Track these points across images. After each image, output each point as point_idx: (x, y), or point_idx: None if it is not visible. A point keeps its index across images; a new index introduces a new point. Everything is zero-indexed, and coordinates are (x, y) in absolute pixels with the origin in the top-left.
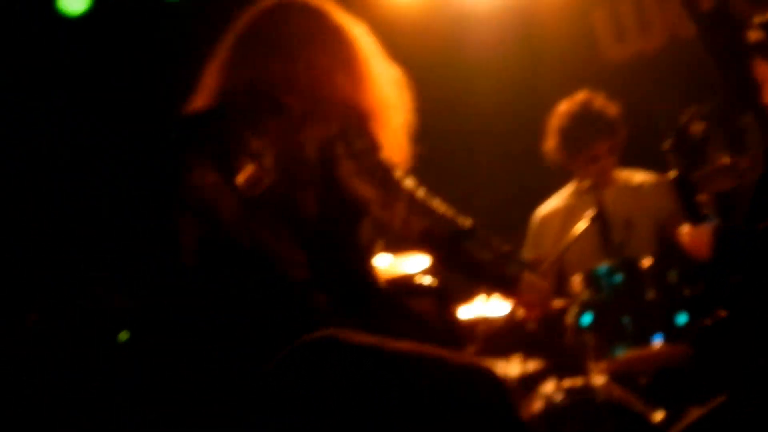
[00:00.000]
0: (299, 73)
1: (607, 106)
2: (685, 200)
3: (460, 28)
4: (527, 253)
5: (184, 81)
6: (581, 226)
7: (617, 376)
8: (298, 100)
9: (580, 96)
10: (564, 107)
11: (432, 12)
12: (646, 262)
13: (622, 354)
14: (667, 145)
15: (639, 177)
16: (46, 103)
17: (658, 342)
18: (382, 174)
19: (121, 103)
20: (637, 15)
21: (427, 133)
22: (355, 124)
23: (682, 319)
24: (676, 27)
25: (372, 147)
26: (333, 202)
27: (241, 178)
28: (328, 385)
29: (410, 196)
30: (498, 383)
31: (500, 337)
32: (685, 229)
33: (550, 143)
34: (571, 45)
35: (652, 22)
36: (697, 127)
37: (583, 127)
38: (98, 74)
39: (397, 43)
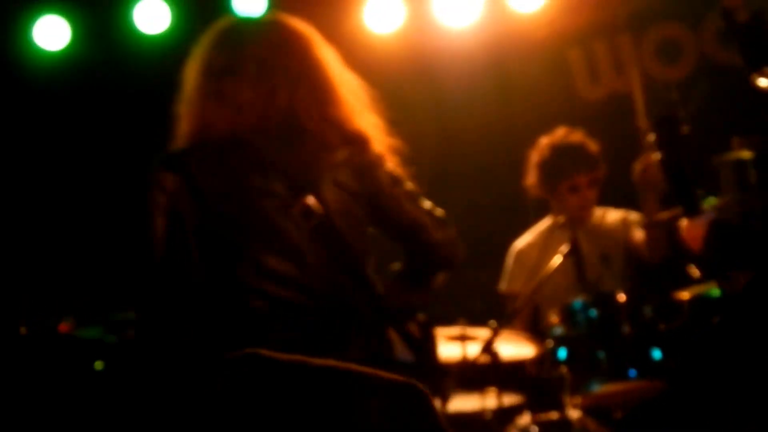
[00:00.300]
0: (318, 100)
1: (587, 140)
2: (682, 193)
3: (437, 64)
4: (503, 286)
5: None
6: (556, 261)
7: (592, 410)
8: (324, 127)
9: (561, 130)
10: (545, 140)
11: (411, 49)
12: (621, 297)
13: (597, 388)
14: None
15: (614, 215)
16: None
17: (631, 377)
18: (419, 197)
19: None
20: (612, 56)
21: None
22: (383, 150)
23: (656, 354)
24: (651, 68)
25: (401, 172)
26: (387, 230)
27: (298, 209)
28: (249, 400)
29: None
30: (424, 398)
31: (476, 371)
32: (684, 223)
33: (531, 176)
34: (547, 84)
35: (627, 63)
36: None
37: (563, 158)
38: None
39: (376, 78)
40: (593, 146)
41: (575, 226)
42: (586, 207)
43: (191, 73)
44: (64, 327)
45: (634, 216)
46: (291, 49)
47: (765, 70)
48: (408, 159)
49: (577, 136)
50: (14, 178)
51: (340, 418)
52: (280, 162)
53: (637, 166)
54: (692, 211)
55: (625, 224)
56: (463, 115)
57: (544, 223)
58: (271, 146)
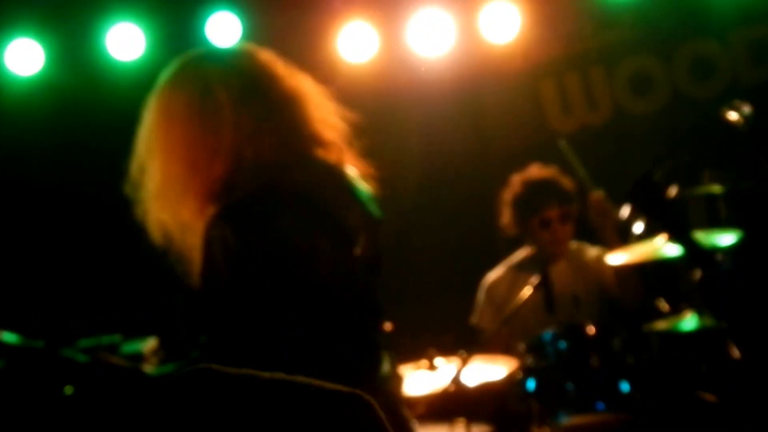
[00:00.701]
0: (314, 123)
1: (559, 176)
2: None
3: (410, 93)
4: (474, 319)
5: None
6: (526, 292)
7: None
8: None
9: (534, 167)
10: (516, 177)
11: (384, 78)
12: (591, 329)
13: (565, 420)
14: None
15: (591, 252)
16: None
17: (599, 410)
18: None
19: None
20: (584, 88)
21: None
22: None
23: (624, 387)
24: (622, 101)
25: None
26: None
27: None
28: (199, 411)
29: None
30: (370, 407)
31: (445, 402)
32: None
33: (504, 214)
34: (519, 115)
35: (598, 96)
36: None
37: (534, 192)
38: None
39: (349, 107)
40: (566, 182)
41: (547, 260)
42: (559, 242)
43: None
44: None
45: (605, 253)
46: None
47: (736, 103)
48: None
49: (549, 172)
50: None
51: (288, 428)
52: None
53: (589, 208)
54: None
55: (600, 262)
56: (434, 146)
57: (517, 256)
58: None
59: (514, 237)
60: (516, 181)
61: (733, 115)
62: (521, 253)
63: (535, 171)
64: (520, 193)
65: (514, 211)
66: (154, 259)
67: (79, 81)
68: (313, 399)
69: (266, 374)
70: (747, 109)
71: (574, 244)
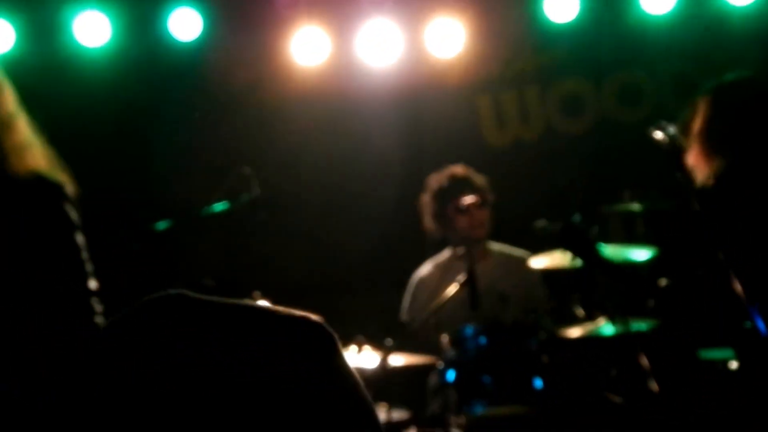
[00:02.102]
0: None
1: (472, 174)
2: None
3: (356, 99)
4: (403, 315)
5: None
6: (452, 289)
7: (474, 431)
8: None
9: (449, 167)
10: (434, 176)
11: (332, 83)
12: (511, 327)
13: (481, 411)
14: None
15: (516, 252)
16: None
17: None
18: None
19: None
20: (518, 106)
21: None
22: None
23: (538, 383)
24: (553, 121)
25: None
26: None
27: None
28: (172, 334)
29: None
30: (327, 332)
31: (368, 386)
32: None
33: (426, 210)
34: (456, 127)
35: (531, 114)
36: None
37: (451, 183)
38: None
39: (298, 107)
40: (478, 178)
41: (473, 258)
42: (477, 226)
43: None
44: None
45: (527, 255)
46: None
47: (662, 123)
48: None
49: (462, 170)
50: None
51: (252, 348)
52: None
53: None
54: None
55: (525, 263)
56: (374, 149)
57: (445, 255)
58: None
59: (439, 237)
60: (433, 179)
61: (658, 135)
62: (447, 253)
63: (450, 169)
64: (438, 186)
65: (434, 203)
66: None
67: (45, 63)
68: (273, 320)
69: (230, 300)
70: (672, 129)
71: (497, 245)
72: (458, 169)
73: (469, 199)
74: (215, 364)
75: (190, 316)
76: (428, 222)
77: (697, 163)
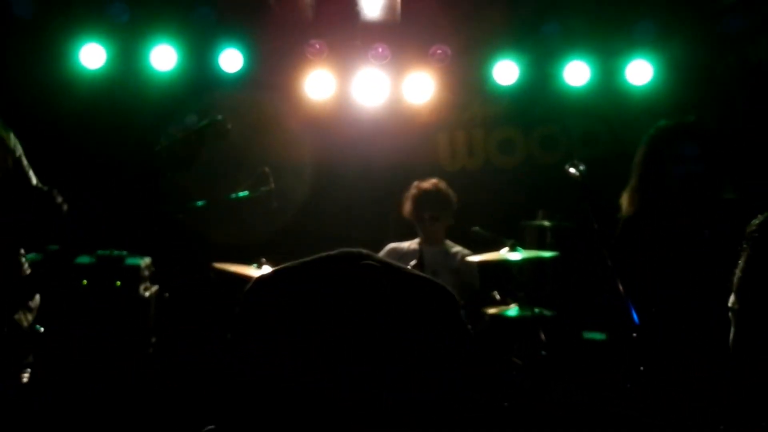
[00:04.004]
0: None
1: (446, 188)
2: None
3: (353, 126)
4: None
5: None
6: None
7: None
8: None
9: (430, 179)
10: (416, 183)
11: (335, 113)
12: None
13: None
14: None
15: (457, 248)
16: None
17: None
18: None
19: None
20: (467, 143)
21: (311, 197)
22: None
23: None
24: (492, 156)
25: None
26: None
27: None
28: (361, 287)
29: None
30: (454, 296)
31: None
32: None
33: (406, 205)
34: (420, 155)
35: (476, 150)
36: None
37: (423, 198)
38: None
39: (309, 128)
40: (449, 193)
41: (427, 247)
42: (432, 234)
43: None
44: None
45: (467, 252)
46: None
47: (575, 162)
48: (319, 187)
49: (438, 184)
50: None
51: (414, 310)
52: None
53: None
54: None
55: (462, 256)
56: (361, 164)
57: (414, 240)
58: None
59: (409, 225)
60: (416, 186)
61: (572, 170)
62: (416, 239)
63: (429, 183)
64: (416, 195)
65: (411, 206)
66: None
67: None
68: (430, 287)
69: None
70: (582, 166)
71: (449, 242)
72: (436, 184)
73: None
74: (387, 306)
75: (372, 270)
76: (405, 210)
77: (628, 195)
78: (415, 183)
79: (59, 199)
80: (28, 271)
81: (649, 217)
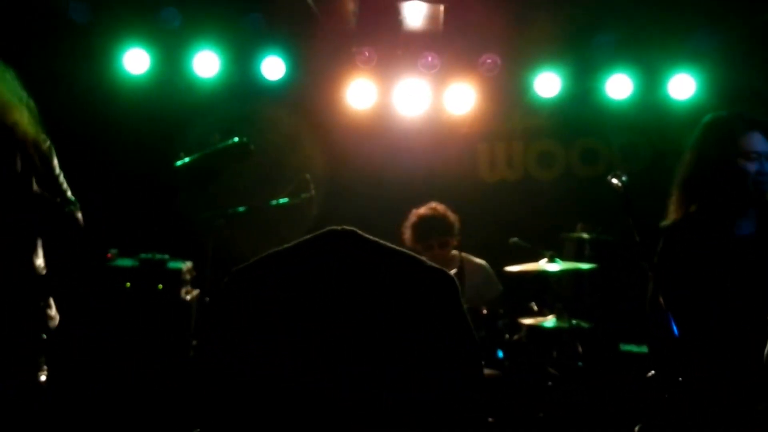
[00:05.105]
0: None
1: (446, 213)
2: None
3: (394, 136)
4: None
5: None
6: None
7: None
8: None
9: (430, 204)
10: (414, 211)
11: (377, 122)
12: (483, 310)
13: None
14: None
15: (477, 260)
16: None
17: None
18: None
19: None
20: (506, 155)
21: (351, 203)
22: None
23: (500, 354)
24: (531, 169)
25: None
26: None
27: None
28: (349, 263)
29: None
30: (455, 281)
31: None
32: None
33: (406, 233)
34: (461, 165)
35: (515, 162)
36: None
37: (423, 225)
38: None
39: (352, 136)
40: (450, 217)
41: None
42: (444, 257)
43: None
44: (109, 255)
45: (476, 262)
46: None
47: (617, 173)
48: (359, 194)
49: (438, 210)
50: None
51: (401, 288)
52: None
53: None
54: None
55: (483, 270)
56: (401, 172)
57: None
58: None
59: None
60: (414, 214)
61: (614, 181)
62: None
63: (427, 209)
64: (417, 223)
65: (414, 235)
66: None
67: (169, 86)
68: (420, 267)
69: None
70: (625, 177)
71: (465, 255)
72: (434, 209)
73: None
74: (374, 286)
75: (359, 246)
76: (408, 240)
77: (673, 207)
78: (414, 211)
79: (78, 214)
80: (43, 273)
81: (705, 224)
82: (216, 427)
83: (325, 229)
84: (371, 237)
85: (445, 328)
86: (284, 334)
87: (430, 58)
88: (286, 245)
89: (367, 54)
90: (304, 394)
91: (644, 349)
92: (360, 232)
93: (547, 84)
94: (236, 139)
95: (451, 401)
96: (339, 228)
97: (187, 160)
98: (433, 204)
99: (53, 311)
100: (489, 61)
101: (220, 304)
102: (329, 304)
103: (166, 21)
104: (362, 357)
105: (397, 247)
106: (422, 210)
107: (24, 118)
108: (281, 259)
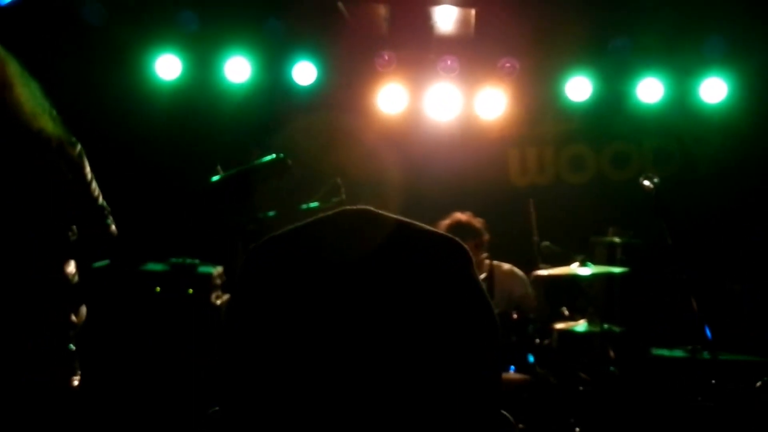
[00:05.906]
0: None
1: (471, 218)
2: None
3: (423, 140)
4: None
5: None
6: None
7: None
8: None
9: (454, 214)
10: (442, 223)
11: (407, 126)
12: (514, 316)
13: None
14: None
15: (506, 266)
16: None
17: (511, 371)
18: None
19: None
20: (538, 159)
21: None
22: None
23: (530, 358)
24: (562, 173)
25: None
26: None
27: None
28: (366, 241)
29: None
30: (466, 249)
31: None
32: None
33: None
34: (491, 169)
35: (546, 166)
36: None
37: (454, 232)
38: None
39: (382, 142)
40: (476, 222)
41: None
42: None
43: None
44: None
45: (518, 270)
46: None
47: (649, 174)
48: (388, 197)
49: (462, 217)
50: None
51: (420, 261)
52: None
53: None
54: None
55: (513, 275)
56: (432, 177)
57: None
58: None
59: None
60: (441, 225)
61: (646, 183)
62: None
63: (450, 219)
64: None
65: None
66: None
67: (201, 92)
68: (435, 238)
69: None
70: (657, 179)
71: (494, 262)
72: (457, 218)
73: None
74: (391, 260)
75: (375, 222)
76: None
77: None
78: (438, 223)
79: (109, 222)
80: (75, 280)
81: None
82: (234, 409)
83: (339, 209)
84: (384, 213)
85: (459, 300)
86: (306, 317)
87: (449, 62)
88: (299, 223)
89: (386, 57)
90: (326, 376)
91: (676, 353)
92: (373, 209)
93: (578, 88)
94: (274, 155)
95: (468, 382)
96: (353, 208)
97: (223, 174)
98: (456, 214)
99: (80, 317)
100: (508, 65)
101: (241, 285)
102: (347, 284)
103: (184, 24)
104: (379, 334)
105: (408, 221)
106: (446, 221)
107: (49, 125)
108: (299, 236)
